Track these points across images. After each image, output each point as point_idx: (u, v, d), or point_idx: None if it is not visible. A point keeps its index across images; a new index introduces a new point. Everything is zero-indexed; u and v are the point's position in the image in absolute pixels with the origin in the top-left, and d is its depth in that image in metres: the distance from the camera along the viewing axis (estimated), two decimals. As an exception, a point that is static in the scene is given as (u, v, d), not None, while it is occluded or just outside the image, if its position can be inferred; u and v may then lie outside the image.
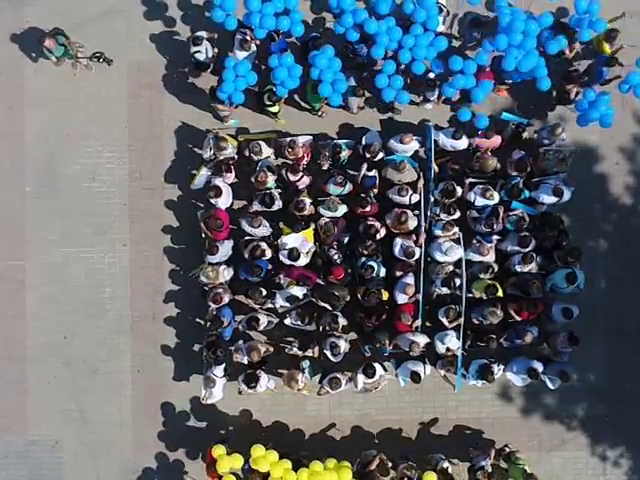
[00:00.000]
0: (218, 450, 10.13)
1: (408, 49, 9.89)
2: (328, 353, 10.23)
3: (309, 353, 10.42)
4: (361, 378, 10.19)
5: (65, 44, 10.51)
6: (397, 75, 10.03)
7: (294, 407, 11.01)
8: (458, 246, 10.10)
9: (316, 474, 9.94)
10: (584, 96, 10.05)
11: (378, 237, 10.25)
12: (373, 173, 10.35)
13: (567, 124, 10.55)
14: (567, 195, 10.19)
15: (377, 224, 10.25)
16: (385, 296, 10.28)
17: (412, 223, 10.24)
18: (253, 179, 10.31)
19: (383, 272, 10.26)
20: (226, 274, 10.37)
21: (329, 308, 10.22)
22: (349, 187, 10.37)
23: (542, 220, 10.31)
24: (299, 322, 10.23)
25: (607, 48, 10.12)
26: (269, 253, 10.38)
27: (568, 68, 10.35)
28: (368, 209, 10.21)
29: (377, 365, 10.23)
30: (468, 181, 10.35)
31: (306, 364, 10.32)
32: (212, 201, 10.34)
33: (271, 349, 10.56)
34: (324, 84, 9.94)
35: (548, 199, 10.15)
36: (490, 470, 10.12)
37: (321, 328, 10.38)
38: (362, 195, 10.34)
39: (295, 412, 11.03)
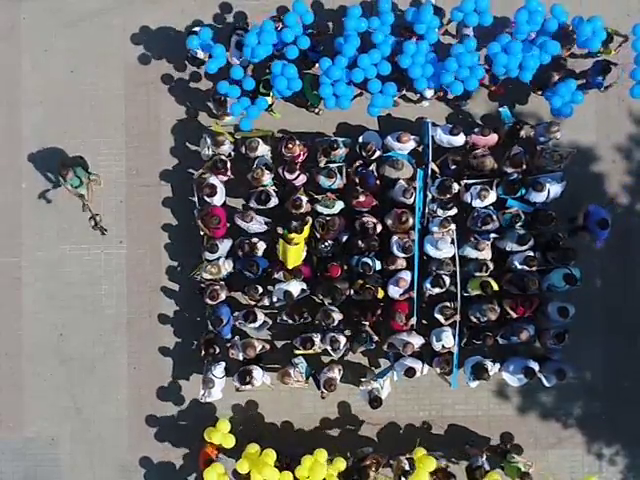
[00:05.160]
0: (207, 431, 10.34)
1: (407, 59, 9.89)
2: (329, 348, 10.25)
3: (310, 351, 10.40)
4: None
5: (81, 177, 10.48)
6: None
7: (290, 404, 11.01)
8: (449, 239, 10.12)
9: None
10: (562, 85, 10.08)
11: (374, 233, 10.26)
12: (370, 168, 10.36)
13: (562, 123, 10.53)
14: (556, 192, 10.17)
15: (373, 219, 10.28)
16: (380, 294, 10.30)
17: (413, 221, 10.27)
18: (250, 176, 10.32)
19: (378, 265, 10.27)
20: (227, 266, 10.40)
21: (325, 304, 10.25)
22: (340, 181, 10.37)
23: (534, 217, 10.30)
24: (290, 321, 10.27)
25: (603, 50, 10.17)
26: (262, 245, 10.39)
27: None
28: (362, 199, 10.21)
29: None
30: (464, 182, 10.36)
31: (299, 360, 10.34)
32: (207, 199, 10.34)
33: (267, 346, 10.57)
34: (326, 92, 9.97)
35: (535, 196, 10.14)
36: (488, 468, 10.16)
37: (317, 324, 10.37)
38: (355, 186, 10.33)
39: (291, 409, 11.03)
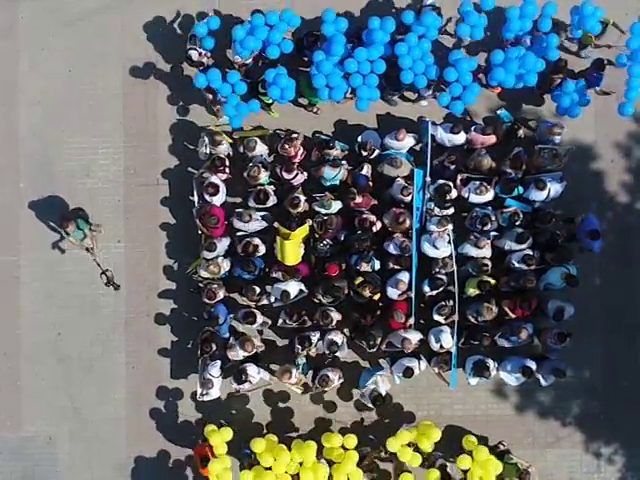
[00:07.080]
0: (208, 429, 10.37)
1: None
2: (327, 351, 10.21)
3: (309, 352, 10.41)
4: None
5: (84, 230, 10.53)
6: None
7: (289, 404, 11.01)
8: (447, 238, 10.12)
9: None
10: (562, 87, 10.10)
11: (374, 230, 10.27)
12: (365, 171, 10.34)
13: (565, 123, 10.50)
14: (556, 191, 10.17)
15: (372, 217, 10.28)
16: (377, 296, 10.30)
17: (409, 222, 10.26)
18: (246, 174, 10.32)
19: (377, 265, 10.27)
20: (225, 265, 10.39)
21: (324, 303, 10.24)
22: (343, 172, 10.34)
23: (534, 216, 10.29)
24: (288, 320, 10.26)
25: (593, 40, 10.20)
26: (262, 249, 10.38)
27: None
28: (359, 200, 10.20)
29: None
30: (461, 177, 10.35)
31: (302, 360, 10.34)
32: (208, 199, 10.33)
33: (262, 346, 10.55)
34: (319, 83, 9.94)
35: (536, 195, 10.13)
36: None
37: (315, 324, 10.37)
38: (350, 189, 10.33)
39: (290, 409, 11.03)
